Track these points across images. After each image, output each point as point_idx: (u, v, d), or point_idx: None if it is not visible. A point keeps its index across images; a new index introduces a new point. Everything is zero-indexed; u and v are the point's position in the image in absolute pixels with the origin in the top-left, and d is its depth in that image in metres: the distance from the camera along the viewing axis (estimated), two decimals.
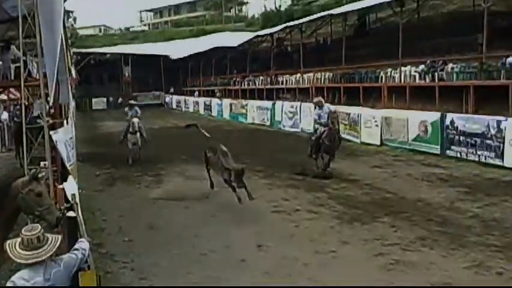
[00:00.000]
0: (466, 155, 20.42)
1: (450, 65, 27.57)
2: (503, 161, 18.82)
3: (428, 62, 28.94)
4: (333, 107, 20.80)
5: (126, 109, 24.73)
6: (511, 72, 23.39)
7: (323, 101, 19.54)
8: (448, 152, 21.31)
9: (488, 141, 19.55)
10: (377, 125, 25.55)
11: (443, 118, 21.85)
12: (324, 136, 18.33)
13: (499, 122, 19.38)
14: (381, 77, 32.70)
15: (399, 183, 15.73)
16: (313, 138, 19.14)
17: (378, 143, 25.13)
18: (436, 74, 27.94)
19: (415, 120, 23.20)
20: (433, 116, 22.64)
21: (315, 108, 20.14)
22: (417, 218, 13.02)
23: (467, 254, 10.63)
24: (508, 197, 14.85)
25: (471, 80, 25.74)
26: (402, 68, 30.94)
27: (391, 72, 32.20)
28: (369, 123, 26.20)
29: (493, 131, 19.46)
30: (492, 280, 9.41)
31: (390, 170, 19.24)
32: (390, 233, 12.01)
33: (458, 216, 13.16)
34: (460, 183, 16.78)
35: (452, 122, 21.29)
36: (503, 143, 18.91)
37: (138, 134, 23.14)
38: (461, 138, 20.73)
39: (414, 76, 30.09)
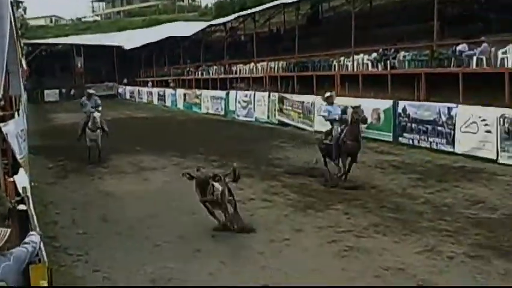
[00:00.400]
0: (418, 141, 20.73)
1: (402, 53, 27.79)
2: (454, 147, 19.14)
3: (381, 50, 29.15)
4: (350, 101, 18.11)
5: (83, 99, 21.70)
6: (461, 60, 23.68)
7: (335, 97, 17.16)
8: (400, 139, 21.60)
9: (440, 128, 19.87)
10: None
11: (395, 106, 22.12)
12: (344, 134, 15.73)
13: (449, 109, 19.69)
14: (334, 65, 32.84)
15: (353, 170, 15.86)
16: (325, 140, 16.40)
17: None
18: (388, 62, 28.15)
19: (368, 108, 23.32)
20: (385, 103, 22.90)
21: (324, 103, 17.33)
22: (371, 205, 13.19)
23: (419, 239, 10.80)
24: (459, 183, 15.13)
25: (422, 68, 25.99)
26: (355, 57, 31.10)
27: (344, 60, 32.35)
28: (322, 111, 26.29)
29: (444, 118, 19.77)
30: (444, 265, 9.57)
31: None
32: (343, 220, 12.14)
33: (410, 202, 13.37)
34: (412, 169, 17.04)
35: (404, 109, 21.56)
36: (454, 129, 19.23)
37: (99, 131, 20.45)
38: (413, 125, 21.03)
39: (367, 64, 30.26)
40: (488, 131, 18.04)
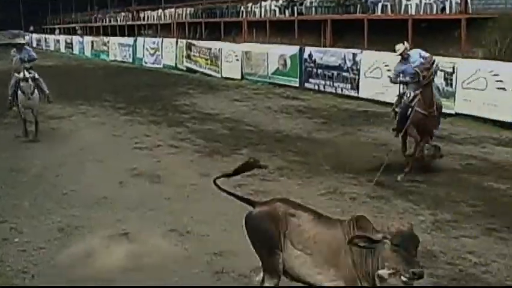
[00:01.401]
0: (324, 87, 21.08)
1: (309, 0, 28.01)
2: (358, 92, 19.57)
3: None
4: (426, 54, 12.26)
5: (13, 52, 15.78)
6: (367, 7, 24.05)
7: (408, 48, 12.49)
8: (306, 84, 21.91)
9: (345, 74, 20.25)
10: (237, 60, 25.81)
11: (301, 52, 22.36)
12: (416, 101, 11.68)
13: (354, 55, 20.06)
14: (242, 11, 32.79)
15: (259, 116, 16.09)
16: (397, 109, 12.42)
17: (239, 77, 25.43)
18: (296, 8, 28.32)
19: (275, 54, 23.60)
20: (292, 49, 23.10)
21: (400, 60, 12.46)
22: (276, 149, 13.41)
23: (322, 181, 11.09)
24: (362, 126, 15.56)
25: (329, 14, 26.27)
26: (263, 3, 31.13)
27: (252, 7, 32.33)
28: (230, 57, 26.43)
29: (349, 64, 20.15)
30: (346, 205, 9.87)
31: (250, 104, 19.59)
32: None
33: (314, 146, 13.67)
34: (317, 114, 17.36)
35: (310, 55, 21.83)
36: (359, 75, 19.64)
37: (36, 95, 15.51)
38: (319, 71, 21.34)
39: (275, 11, 30.35)
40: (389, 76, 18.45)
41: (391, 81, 12.95)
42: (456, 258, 7.75)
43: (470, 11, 20.20)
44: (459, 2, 20.22)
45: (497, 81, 15.95)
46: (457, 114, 16.65)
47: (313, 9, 27.69)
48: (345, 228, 5.62)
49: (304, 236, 5.72)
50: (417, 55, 12.15)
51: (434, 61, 11.64)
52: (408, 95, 11.94)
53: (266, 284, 5.90)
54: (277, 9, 30.11)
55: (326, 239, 5.65)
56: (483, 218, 9.18)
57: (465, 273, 7.25)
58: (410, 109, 11.68)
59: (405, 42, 12.51)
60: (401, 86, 12.45)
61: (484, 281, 7.10)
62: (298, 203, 6.14)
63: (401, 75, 12.26)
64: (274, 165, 12.09)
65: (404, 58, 12.21)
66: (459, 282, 7.06)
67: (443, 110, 16.21)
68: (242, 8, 32.84)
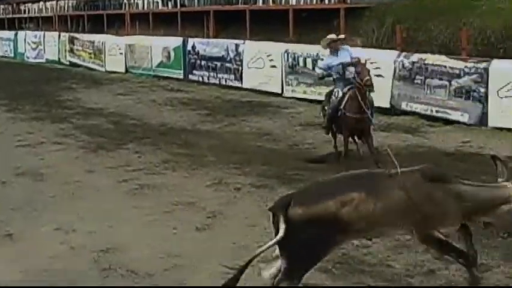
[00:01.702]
0: (208, 78, 21.20)
1: None
2: (242, 83, 19.81)
3: None
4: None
5: None
6: None
7: (342, 39, 12.06)
8: (190, 76, 21.97)
9: (228, 65, 20.43)
10: (121, 53, 25.56)
11: (184, 43, 22.38)
12: (345, 103, 11.17)
13: (237, 46, 20.27)
14: (125, 4, 32.41)
15: (143, 109, 16.04)
16: (327, 107, 11.78)
17: (123, 70, 25.20)
18: (178, 0, 28.27)
19: (158, 47, 23.52)
20: (175, 41, 23.09)
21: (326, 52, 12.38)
22: (161, 143, 13.42)
23: (207, 173, 11.18)
24: (246, 117, 15.80)
25: (211, 5, 26.37)
26: None
27: None
28: (113, 51, 26.12)
29: (232, 55, 20.33)
30: (232, 196, 10.02)
31: (135, 97, 19.49)
32: (134, 159, 12.27)
33: (199, 137, 13.77)
34: (201, 106, 17.47)
35: (193, 47, 21.88)
36: (242, 65, 19.87)
37: None
38: (203, 62, 21.44)
39: (157, 3, 30.18)
40: (274, 66, 18.85)
41: (319, 78, 12.55)
42: None
43: (349, 1, 20.78)
44: None
45: (375, 68, 16.53)
46: None
47: (196, 0, 27.72)
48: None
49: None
50: (347, 52, 11.70)
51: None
52: (336, 94, 11.38)
53: (283, 284, 5.69)
54: (159, 1, 29.96)
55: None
56: None
57: (348, 256, 7.50)
58: (340, 112, 11.21)
59: (341, 35, 12.22)
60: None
61: (366, 262, 7.37)
62: None
63: (328, 69, 11.75)
64: (159, 159, 12.13)
65: (335, 50, 11.68)
66: (343, 265, 7.32)
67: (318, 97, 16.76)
68: (125, 0, 32.45)
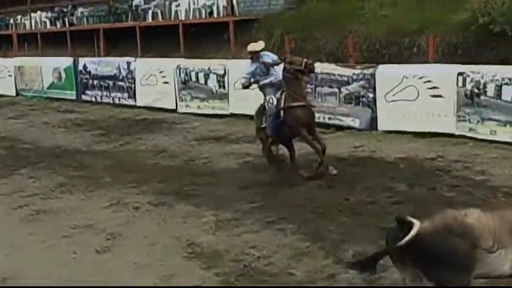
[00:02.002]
0: (101, 98, 20.92)
1: (80, 10, 27.61)
2: (136, 100, 19.68)
3: (57, 8, 28.70)
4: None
5: None
6: (137, 14, 24.18)
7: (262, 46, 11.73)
8: (83, 96, 21.62)
9: (121, 83, 20.26)
10: (10, 75, 24.90)
11: (75, 63, 22.03)
12: (284, 100, 11.01)
13: (129, 63, 20.13)
14: (11, 24, 31.58)
15: (36, 132, 15.69)
16: (264, 124, 11.53)
17: (14, 93, 24.55)
18: (67, 19, 27.79)
19: (48, 68, 23.05)
20: (66, 61, 22.69)
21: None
22: (56, 166, 13.17)
23: (105, 194, 11.08)
24: (142, 135, 15.74)
25: (101, 24, 26.07)
26: (33, 15, 30.12)
27: (21, 19, 31.21)
28: (2, 73, 25.42)
29: (124, 73, 20.18)
30: (130, 216, 9.97)
31: (27, 120, 19.03)
32: (29, 184, 11.99)
33: (94, 158, 13.60)
34: (95, 126, 17.23)
35: (84, 66, 21.56)
36: (135, 83, 19.75)
37: None
38: (95, 81, 21.16)
39: (45, 22, 29.57)
40: (166, 82, 18.83)
41: (243, 87, 12.01)
42: (240, 254, 8.09)
43: (237, 14, 20.97)
44: (226, 5, 20.92)
45: None
46: (232, 115, 17.31)
47: (85, 19, 27.34)
48: None
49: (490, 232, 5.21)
50: (269, 57, 11.60)
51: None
52: (271, 101, 11.20)
53: None
54: (47, 21, 29.36)
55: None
56: (262, 212, 9.64)
57: (249, 268, 7.61)
58: (282, 111, 11.01)
59: (260, 42, 11.92)
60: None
61: (268, 272, 7.49)
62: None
63: (252, 78, 11.54)
64: (55, 183, 11.93)
65: (257, 59, 11.51)
66: (245, 277, 7.41)
67: (219, 111, 16.95)
68: (11, 21, 31.62)
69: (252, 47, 11.58)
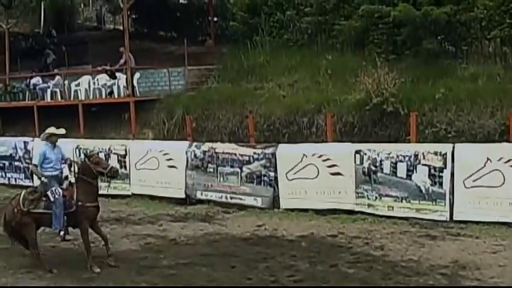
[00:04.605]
0: None
1: None
2: (32, 181, 19.13)
3: None
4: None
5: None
6: (35, 93, 23.81)
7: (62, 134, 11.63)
8: None
9: (17, 163, 19.78)
10: None
11: None
12: (77, 195, 11.00)
13: (26, 143, 19.70)
14: None
15: None
16: (36, 209, 11.09)
17: None
18: None
19: None
20: None
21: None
22: None
23: None
24: None
25: None
26: None
27: None
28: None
29: (21, 152, 19.72)
30: None
31: None
32: None
33: None
34: None
35: None
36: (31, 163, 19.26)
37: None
38: None
39: None
40: None
41: (35, 166, 11.39)
42: None
43: (138, 94, 20.96)
44: (126, 85, 20.88)
45: (168, 159, 16.77)
46: (133, 195, 17.11)
47: None
48: None
49: None
50: (60, 149, 11.66)
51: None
52: (57, 193, 10.91)
53: None
54: None
55: None
56: None
57: None
58: (75, 207, 10.94)
59: (62, 129, 11.64)
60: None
61: None
62: None
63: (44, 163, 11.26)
64: None
65: (52, 144, 11.45)
66: None
67: (121, 192, 16.74)
68: None
69: (53, 130, 11.54)
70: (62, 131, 11.61)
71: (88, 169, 11.02)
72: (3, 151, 20.12)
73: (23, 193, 11.28)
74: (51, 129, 11.54)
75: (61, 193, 10.98)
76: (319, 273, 10.19)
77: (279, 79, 19.12)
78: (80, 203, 10.93)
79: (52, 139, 11.46)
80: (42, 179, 11.15)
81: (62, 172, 11.52)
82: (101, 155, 17.31)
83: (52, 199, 10.93)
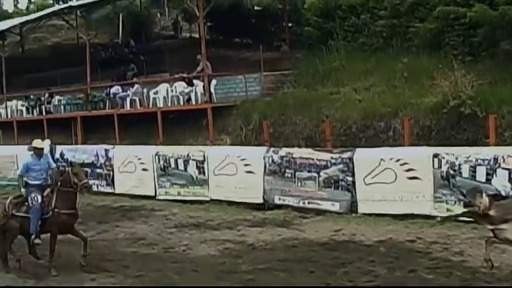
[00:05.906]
0: None
1: (57, 97, 27.75)
2: (114, 188, 19.63)
3: (32, 96, 28.88)
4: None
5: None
6: (115, 102, 24.35)
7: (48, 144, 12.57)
8: None
9: (99, 170, 20.24)
10: None
11: (52, 151, 21.82)
12: (55, 202, 11.56)
13: (107, 151, 20.18)
14: None
15: None
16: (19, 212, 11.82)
17: None
18: (43, 107, 27.86)
19: (24, 156, 22.72)
20: None
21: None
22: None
23: (82, 281, 10.91)
24: (120, 222, 15.66)
25: (78, 111, 26.22)
26: (8, 103, 30.17)
27: None
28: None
29: (102, 160, 20.19)
30: None
31: None
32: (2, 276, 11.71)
33: (71, 247, 13.15)
34: None
35: (62, 154, 21.52)
36: (113, 170, 19.74)
37: None
38: None
39: (22, 111, 29.60)
40: (145, 169, 18.87)
41: (19, 176, 12.26)
42: None
43: (215, 100, 21.21)
44: (203, 92, 21.17)
45: (246, 165, 16.90)
46: (211, 201, 17.30)
47: (62, 107, 27.49)
48: None
49: None
50: (48, 159, 12.34)
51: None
52: (36, 199, 11.54)
53: None
54: (24, 109, 29.41)
55: None
56: None
57: None
58: (51, 212, 11.54)
59: (47, 141, 12.45)
60: None
61: None
62: None
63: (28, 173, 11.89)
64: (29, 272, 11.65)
65: (38, 156, 12.02)
66: None
67: (199, 198, 16.97)
68: None
69: (37, 143, 12.14)
70: (45, 144, 12.52)
71: (67, 178, 11.62)
72: (85, 158, 20.61)
73: (9, 198, 12.15)
74: (35, 143, 12.15)
75: (39, 200, 11.61)
76: (397, 278, 10.10)
77: (355, 83, 19.08)
78: (56, 210, 11.55)
79: (35, 151, 12.08)
80: (22, 189, 11.93)
81: (46, 180, 12.08)
82: (180, 162, 17.77)
83: (30, 205, 11.63)
